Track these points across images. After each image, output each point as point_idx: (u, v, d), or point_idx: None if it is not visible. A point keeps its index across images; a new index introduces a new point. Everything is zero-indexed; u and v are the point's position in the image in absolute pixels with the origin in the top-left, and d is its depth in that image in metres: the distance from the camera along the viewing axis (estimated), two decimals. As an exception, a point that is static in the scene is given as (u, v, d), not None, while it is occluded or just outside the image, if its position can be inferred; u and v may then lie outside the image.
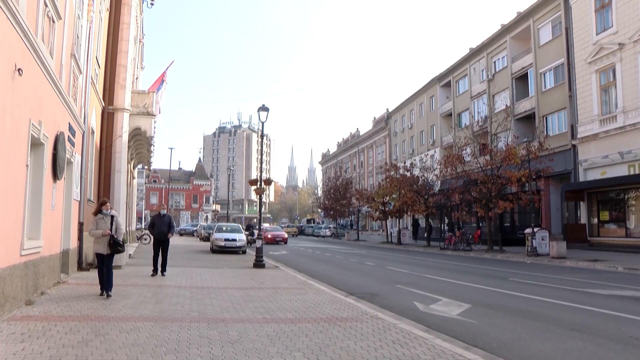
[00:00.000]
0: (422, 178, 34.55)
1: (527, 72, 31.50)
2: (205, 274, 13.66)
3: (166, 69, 24.88)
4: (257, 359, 5.13)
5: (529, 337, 6.63)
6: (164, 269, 12.90)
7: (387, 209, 39.14)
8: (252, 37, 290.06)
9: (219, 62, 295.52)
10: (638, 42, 22.10)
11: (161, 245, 12.91)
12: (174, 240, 40.29)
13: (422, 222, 41.52)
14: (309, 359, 5.20)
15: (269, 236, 35.07)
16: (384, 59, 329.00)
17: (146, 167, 37.56)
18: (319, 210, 63.90)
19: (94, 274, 12.60)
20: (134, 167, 31.48)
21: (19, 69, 6.83)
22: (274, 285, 11.55)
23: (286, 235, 37.68)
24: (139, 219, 65.15)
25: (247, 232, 29.05)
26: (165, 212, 13.50)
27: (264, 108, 17.35)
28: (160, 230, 13.02)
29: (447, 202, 32.96)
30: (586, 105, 25.45)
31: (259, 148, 50.69)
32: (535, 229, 22.03)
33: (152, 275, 12.52)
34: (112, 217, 9.17)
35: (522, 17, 31.78)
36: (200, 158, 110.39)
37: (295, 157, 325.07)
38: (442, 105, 43.67)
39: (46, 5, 8.51)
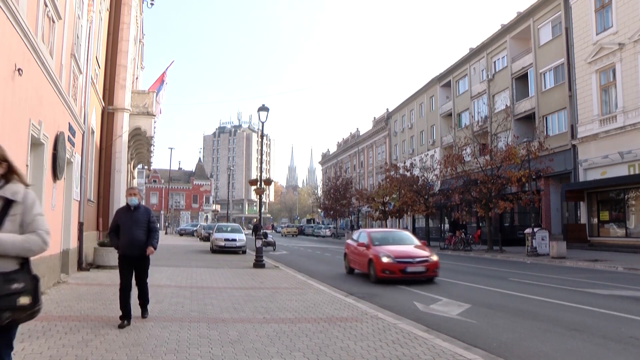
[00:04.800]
0: (422, 178, 34.56)
1: (527, 72, 31.51)
2: (205, 274, 13.66)
3: (166, 69, 24.84)
4: (257, 359, 5.13)
5: (529, 337, 6.63)
6: (144, 307, 7.26)
7: (387, 209, 39.16)
8: (252, 37, 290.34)
9: (219, 62, 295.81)
10: (638, 42, 22.09)
11: (134, 267, 6.95)
12: (173, 240, 39.91)
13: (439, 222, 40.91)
14: (309, 359, 5.19)
15: (384, 260, 12.54)
16: (384, 59, 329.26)
17: (146, 167, 37.51)
18: (319, 210, 63.93)
19: (94, 274, 12.65)
20: (134, 167, 31.47)
21: (19, 69, 6.83)
22: (274, 285, 11.55)
23: (435, 258, 12.97)
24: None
25: (256, 234, 22.61)
26: (137, 200, 7.07)
27: (264, 108, 17.36)
28: (131, 236, 6.81)
29: (447, 202, 32.96)
30: (586, 105, 25.45)
31: (259, 148, 50.67)
32: (535, 229, 22.03)
33: (120, 325, 6.50)
34: (9, 202, 2.80)
35: (522, 17, 31.78)
36: (200, 158, 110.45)
37: (295, 157, 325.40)
38: (442, 105, 43.68)
39: (46, 5, 8.51)
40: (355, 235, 16.05)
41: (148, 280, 7.21)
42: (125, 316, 6.68)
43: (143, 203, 8.45)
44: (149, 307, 7.31)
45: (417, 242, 14.37)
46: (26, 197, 2.88)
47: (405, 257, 12.55)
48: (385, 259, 12.38)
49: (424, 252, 12.99)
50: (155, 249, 7.02)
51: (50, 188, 9.55)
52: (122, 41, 19.23)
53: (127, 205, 7.06)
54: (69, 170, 11.66)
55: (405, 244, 13.86)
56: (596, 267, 16.66)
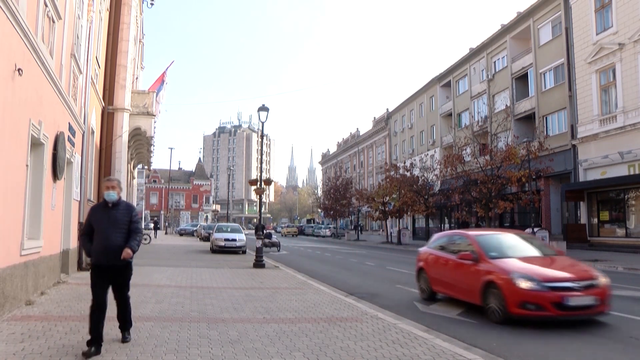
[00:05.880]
0: (422, 178, 34.56)
1: (527, 72, 31.51)
2: (205, 274, 13.66)
3: (166, 69, 24.89)
4: (257, 359, 5.13)
5: (529, 337, 6.63)
6: (126, 329, 5.81)
7: (387, 209, 39.17)
8: (252, 37, 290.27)
9: (219, 62, 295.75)
10: (638, 42, 22.09)
11: (111, 280, 5.55)
12: (173, 240, 39.88)
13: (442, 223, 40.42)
14: (309, 359, 5.20)
15: (523, 286, 7.27)
16: (384, 59, 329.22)
17: (146, 167, 37.55)
18: (319, 210, 63.93)
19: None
20: (134, 167, 31.49)
21: (19, 69, 6.83)
22: (274, 285, 11.55)
23: (605, 281, 7.56)
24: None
25: (257, 233, 18.14)
26: (116, 195, 5.56)
27: (264, 108, 17.36)
28: (107, 241, 5.39)
29: (447, 202, 32.94)
30: (586, 105, 25.45)
31: (259, 148, 50.66)
32: (535, 229, 22.02)
33: (86, 354, 5.06)
34: None
35: (522, 17, 31.79)
36: (200, 158, 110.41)
37: (295, 157, 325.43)
38: (442, 105, 43.69)
39: (46, 5, 8.52)
40: (439, 239, 10.49)
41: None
42: (94, 341, 5.17)
43: (134, 201, 7.43)
44: (131, 332, 5.85)
45: (549, 249, 9.18)
46: None
47: (559, 281, 7.34)
48: (524, 284, 7.25)
49: (585, 271, 7.74)
50: (134, 251, 5.47)
51: (50, 188, 9.55)
52: (122, 41, 19.24)
53: (104, 202, 5.55)
54: (69, 170, 11.66)
55: (537, 254, 8.59)
56: (596, 267, 16.63)
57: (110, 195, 5.49)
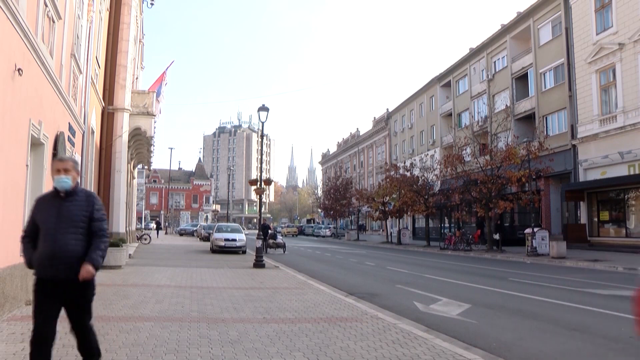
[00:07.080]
0: (422, 178, 34.55)
1: (527, 72, 31.52)
2: (205, 274, 13.66)
3: (166, 69, 24.94)
4: (257, 359, 5.13)
5: (529, 337, 6.63)
6: None
7: (387, 209, 39.16)
8: (252, 37, 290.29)
9: (219, 62, 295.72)
10: (638, 42, 22.09)
11: (62, 301, 3.74)
12: (173, 240, 39.91)
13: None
14: (309, 359, 5.19)
15: None
16: (384, 59, 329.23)
17: (146, 167, 37.57)
18: (319, 210, 63.90)
19: (94, 274, 12.62)
20: (134, 167, 31.49)
21: (19, 69, 6.84)
22: (274, 285, 11.55)
23: None
24: (139, 219, 65.05)
25: (260, 235, 17.61)
26: (71, 181, 3.87)
27: (264, 108, 17.36)
28: (55, 244, 3.69)
29: (447, 202, 32.95)
30: (586, 105, 25.45)
31: (259, 148, 50.64)
32: (535, 229, 22.03)
33: None
34: None
35: (522, 17, 31.80)
36: (200, 158, 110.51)
37: (295, 157, 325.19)
38: (442, 105, 43.69)
39: (46, 5, 8.52)
40: None
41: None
42: None
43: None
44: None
45: None
46: None
47: None
48: None
49: None
50: (97, 267, 3.79)
51: (50, 188, 9.54)
52: (122, 41, 19.26)
53: (55, 191, 3.92)
54: (69, 170, 11.64)
55: None
56: (596, 267, 16.66)
57: (62, 182, 3.83)
